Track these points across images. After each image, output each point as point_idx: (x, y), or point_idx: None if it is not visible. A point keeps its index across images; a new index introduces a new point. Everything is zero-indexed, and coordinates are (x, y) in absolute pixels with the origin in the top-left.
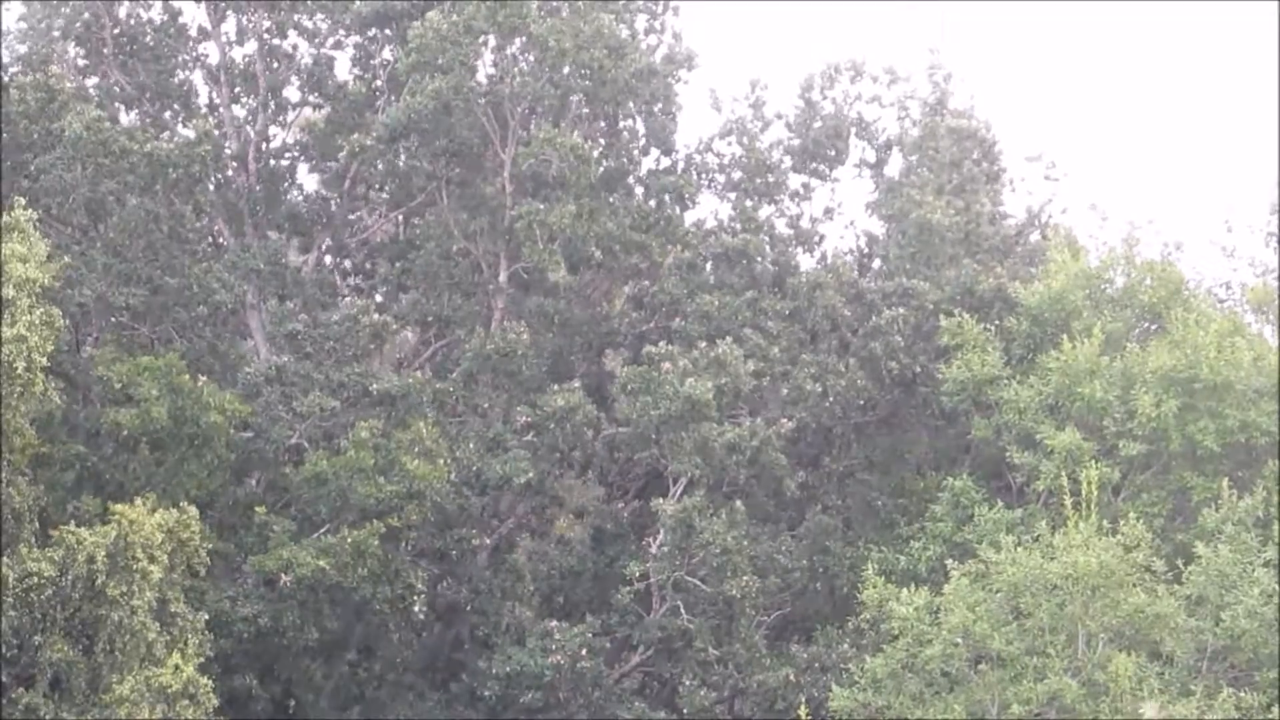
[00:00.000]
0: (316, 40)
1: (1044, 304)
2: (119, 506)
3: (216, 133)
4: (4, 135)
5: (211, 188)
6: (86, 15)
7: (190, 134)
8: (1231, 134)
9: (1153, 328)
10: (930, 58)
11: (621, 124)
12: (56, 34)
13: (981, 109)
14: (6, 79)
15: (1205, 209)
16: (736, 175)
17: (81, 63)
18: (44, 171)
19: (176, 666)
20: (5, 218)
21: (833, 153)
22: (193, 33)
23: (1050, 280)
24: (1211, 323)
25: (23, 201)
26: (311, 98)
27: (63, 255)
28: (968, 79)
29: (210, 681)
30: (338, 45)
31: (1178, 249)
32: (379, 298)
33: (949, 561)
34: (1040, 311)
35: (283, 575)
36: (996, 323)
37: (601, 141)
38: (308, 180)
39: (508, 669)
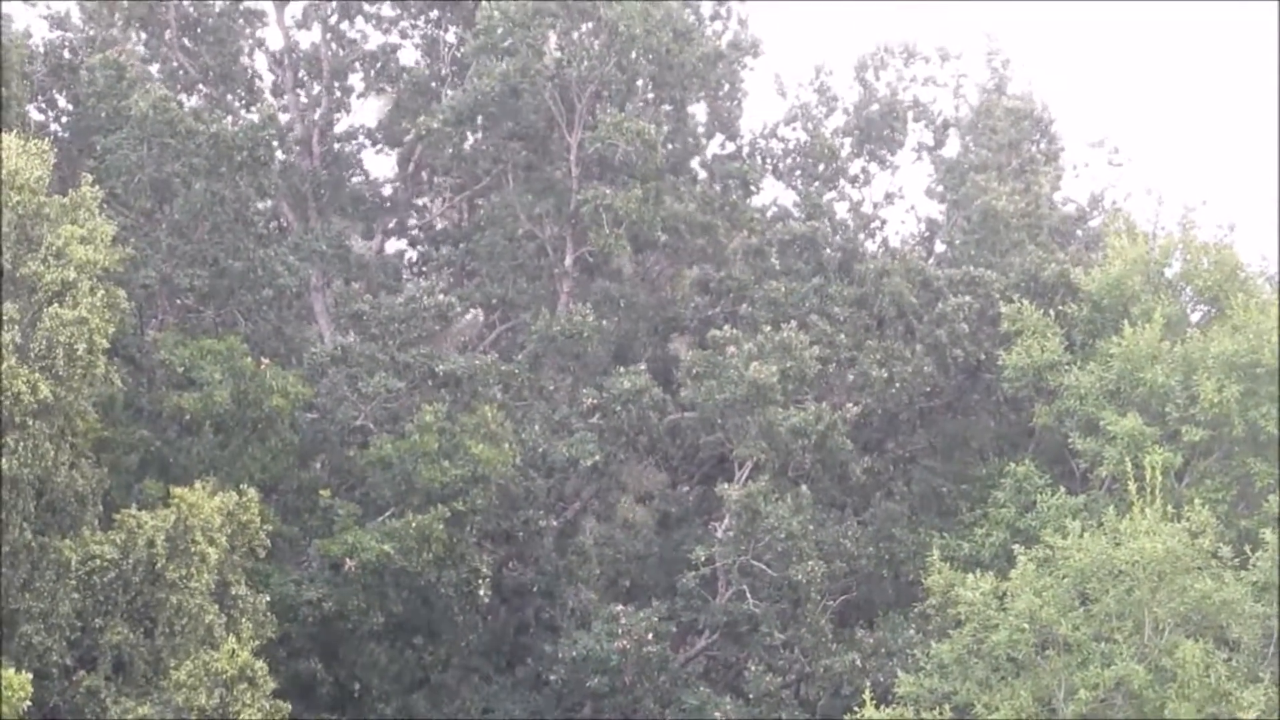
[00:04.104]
0: (383, 26)
1: (1103, 289)
2: (178, 490)
3: (284, 117)
4: (70, 116)
5: (276, 171)
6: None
7: (254, 117)
8: None
9: (1211, 311)
10: (988, 43)
11: (687, 109)
12: (119, 18)
13: (1039, 91)
14: (76, 61)
15: (1262, 189)
16: (800, 160)
17: (144, 49)
18: (110, 151)
19: (233, 651)
20: (70, 196)
21: (890, 135)
22: (255, 17)
23: (1109, 266)
24: (1271, 307)
25: (90, 179)
26: (377, 83)
27: (128, 237)
28: (1025, 63)
29: (269, 665)
30: (403, 34)
31: (1231, 230)
32: (444, 281)
33: (1015, 547)
34: (1100, 297)
35: (348, 560)
36: (1059, 308)
37: (667, 126)
38: (374, 164)
39: (574, 653)
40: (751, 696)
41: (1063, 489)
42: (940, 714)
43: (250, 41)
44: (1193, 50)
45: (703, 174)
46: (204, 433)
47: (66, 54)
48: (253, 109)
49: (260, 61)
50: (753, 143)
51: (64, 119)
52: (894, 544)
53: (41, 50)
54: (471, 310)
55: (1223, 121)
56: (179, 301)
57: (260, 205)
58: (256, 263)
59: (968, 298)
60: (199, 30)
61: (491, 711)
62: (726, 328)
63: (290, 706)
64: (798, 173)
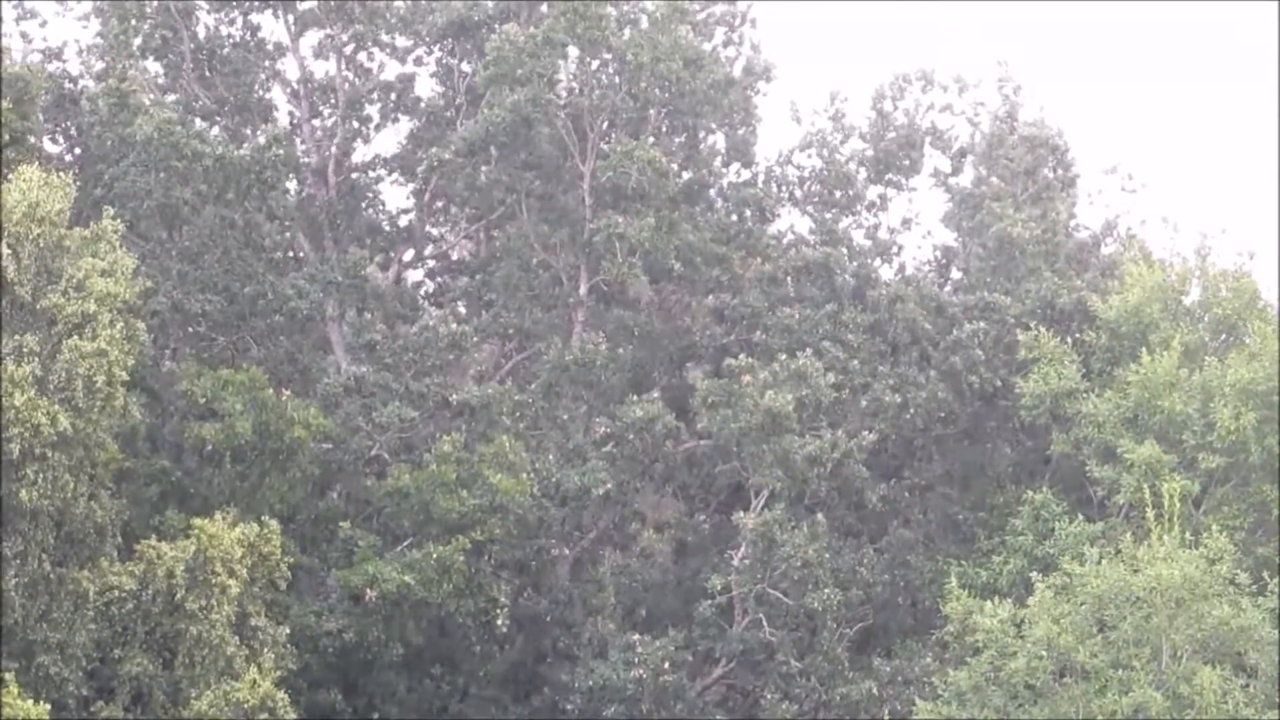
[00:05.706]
0: (397, 56)
1: (1121, 317)
2: (198, 521)
3: (300, 146)
4: (76, 146)
5: (290, 199)
6: (166, 30)
7: (261, 139)
8: None
9: (1230, 339)
10: (999, 69)
11: (701, 137)
12: (135, 49)
13: (1052, 118)
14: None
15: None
16: (816, 188)
17: (160, 79)
18: (118, 179)
19: (254, 681)
20: (90, 229)
21: (907, 162)
22: (272, 48)
23: (1126, 294)
24: None
25: (110, 212)
26: (393, 113)
27: (139, 265)
28: (1037, 89)
29: (290, 696)
30: (418, 61)
31: (1251, 258)
32: (461, 311)
33: (1033, 574)
34: (1117, 324)
35: (368, 590)
36: (1075, 336)
37: (681, 155)
38: (390, 195)
39: (591, 682)
40: None
41: (1080, 516)
42: None
43: (267, 72)
44: (1211, 76)
45: (718, 202)
46: (224, 464)
47: (67, 84)
48: (263, 133)
49: (277, 93)
50: (768, 170)
51: (74, 150)
52: (910, 571)
53: (44, 83)
54: (489, 341)
55: (1243, 148)
56: (191, 329)
57: (270, 229)
58: (267, 287)
59: (982, 324)
60: (215, 62)
61: None
62: (742, 356)
63: None
64: (814, 199)
